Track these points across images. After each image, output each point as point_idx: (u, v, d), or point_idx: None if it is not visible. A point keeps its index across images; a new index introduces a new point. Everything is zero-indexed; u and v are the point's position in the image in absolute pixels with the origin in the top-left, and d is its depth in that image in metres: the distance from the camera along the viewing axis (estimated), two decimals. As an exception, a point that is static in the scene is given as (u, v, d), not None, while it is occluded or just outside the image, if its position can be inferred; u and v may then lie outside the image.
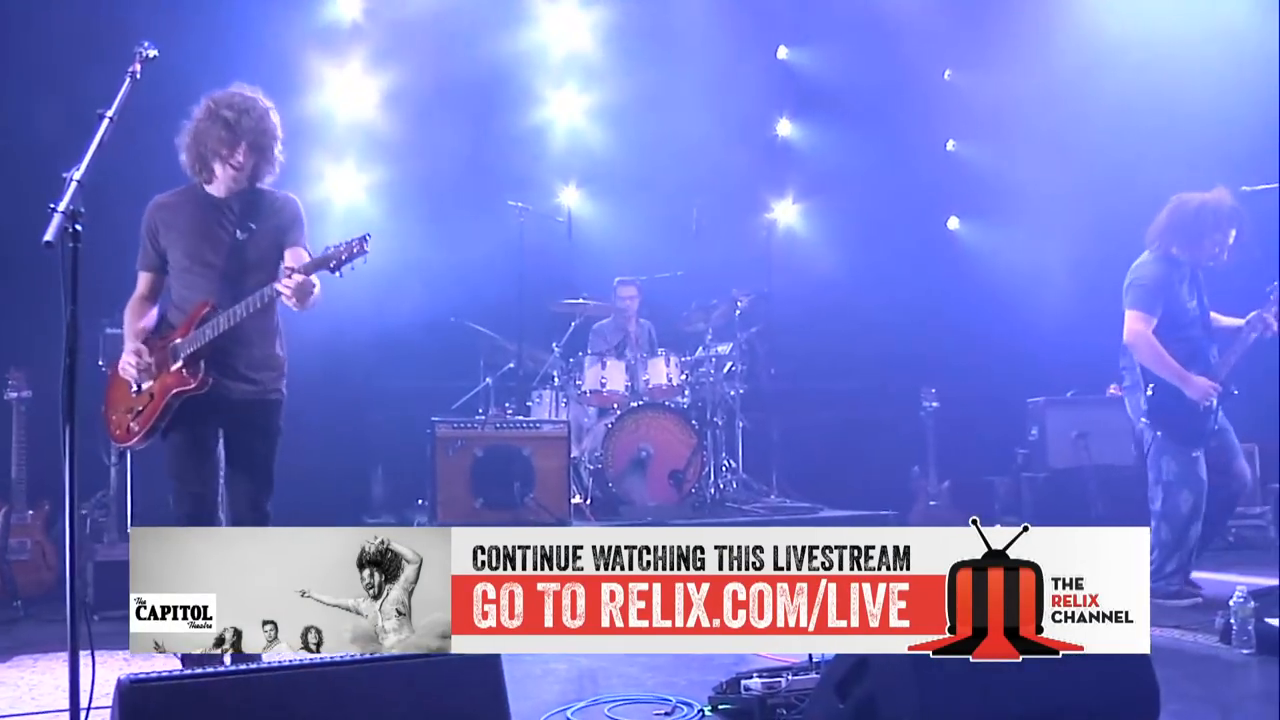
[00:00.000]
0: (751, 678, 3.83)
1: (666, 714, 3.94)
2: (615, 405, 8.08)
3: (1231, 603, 4.87)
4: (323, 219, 8.29)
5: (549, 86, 9.72)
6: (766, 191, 10.21)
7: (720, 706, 3.91)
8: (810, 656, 3.85)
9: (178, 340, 4.18)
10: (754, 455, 8.81)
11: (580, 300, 8.53)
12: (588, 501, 7.78)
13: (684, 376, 8.24)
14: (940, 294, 9.90)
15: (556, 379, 8.30)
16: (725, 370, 8.49)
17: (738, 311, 8.50)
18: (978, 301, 9.78)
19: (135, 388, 4.24)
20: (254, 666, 2.53)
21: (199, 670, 2.48)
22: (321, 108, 8.88)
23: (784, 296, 9.10)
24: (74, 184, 2.96)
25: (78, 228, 2.94)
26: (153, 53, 3.43)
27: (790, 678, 3.76)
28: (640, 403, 7.96)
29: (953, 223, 10.69)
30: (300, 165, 7.68)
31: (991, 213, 10.28)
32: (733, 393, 8.51)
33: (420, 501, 7.89)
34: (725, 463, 8.43)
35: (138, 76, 3.35)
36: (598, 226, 9.69)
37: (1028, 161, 9.72)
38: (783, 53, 10.29)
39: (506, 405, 8.35)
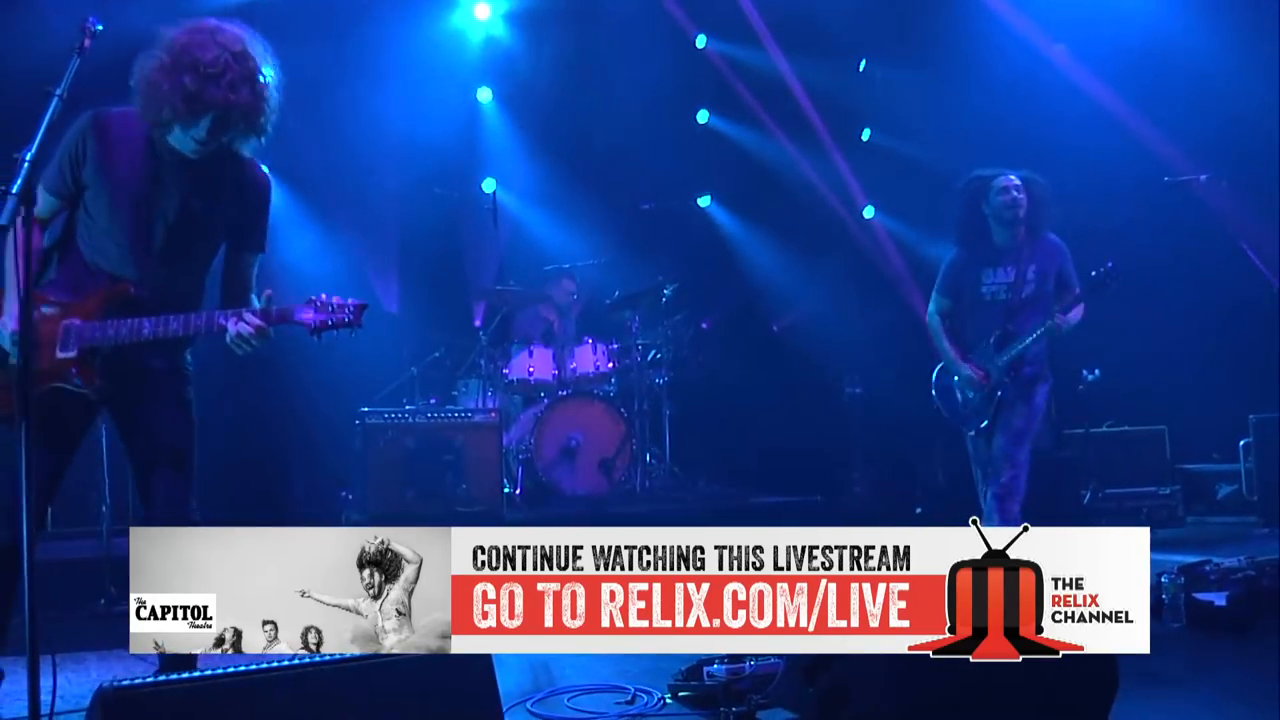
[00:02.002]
0: (714, 664, 3.82)
1: (627, 703, 3.92)
2: (543, 393, 8.03)
3: (1163, 579, 5.02)
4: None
5: (470, 74, 9.61)
6: (690, 180, 10.22)
7: (681, 694, 3.90)
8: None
9: (75, 321, 3.33)
10: (680, 443, 8.82)
11: (511, 287, 8.44)
12: (518, 491, 7.71)
13: (611, 364, 8.22)
14: (862, 281, 10.02)
15: (483, 367, 8.21)
16: (651, 358, 8.49)
17: (663, 299, 8.49)
18: (899, 288, 9.92)
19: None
20: (240, 670, 2.45)
21: (184, 675, 2.38)
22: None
23: (708, 284, 9.13)
24: (26, 165, 2.83)
25: (32, 211, 2.82)
26: (98, 27, 3.28)
27: (754, 663, 3.76)
28: (568, 391, 7.92)
29: (869, 211, 10.81)
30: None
31: (907, 202, 10.41)
32: (659, 380, 8.51)
33: (346, 494, 7.74)
34: (652, 450, 8.43)
35: (85, 52, 3.20)
36: (523, 215, 9.62)
37: (943, 150, 9.85)
38: (701, 42, 10.29)
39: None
